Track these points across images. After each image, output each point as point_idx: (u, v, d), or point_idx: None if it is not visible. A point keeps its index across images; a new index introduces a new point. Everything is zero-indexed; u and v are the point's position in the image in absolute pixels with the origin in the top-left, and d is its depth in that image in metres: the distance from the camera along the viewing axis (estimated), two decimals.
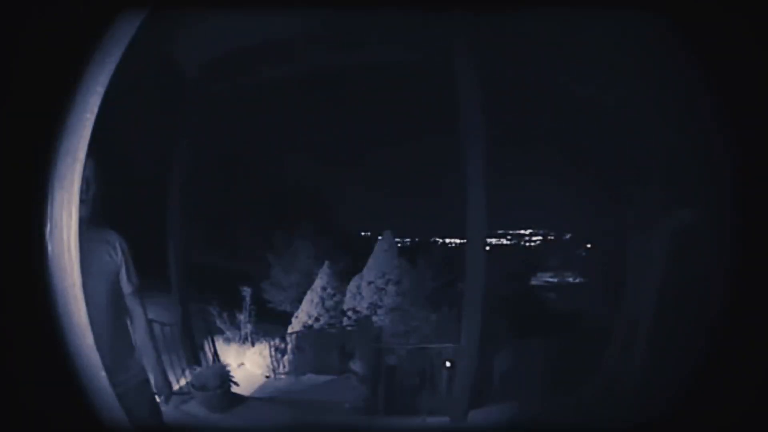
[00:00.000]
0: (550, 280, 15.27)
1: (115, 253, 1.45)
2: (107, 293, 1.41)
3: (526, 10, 2.28)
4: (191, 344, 4.39)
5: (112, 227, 1.47)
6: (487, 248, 3.62)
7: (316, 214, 11.97)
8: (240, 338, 7.01)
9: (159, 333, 3.66)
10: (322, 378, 5.72)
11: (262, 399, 4.62)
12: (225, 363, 4.03)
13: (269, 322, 7.96)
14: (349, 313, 7.82)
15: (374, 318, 7.63)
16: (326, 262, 8.31)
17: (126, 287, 1.48)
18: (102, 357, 0.94)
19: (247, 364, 6.28)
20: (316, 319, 7.75)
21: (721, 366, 1.00)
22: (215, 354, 4.90)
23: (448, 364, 4.13)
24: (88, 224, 1.27)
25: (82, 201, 1.06)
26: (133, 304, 1.50)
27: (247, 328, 7.07)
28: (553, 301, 12.47)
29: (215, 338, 5.48)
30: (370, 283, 7.98)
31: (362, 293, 7.95)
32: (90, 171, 1.28)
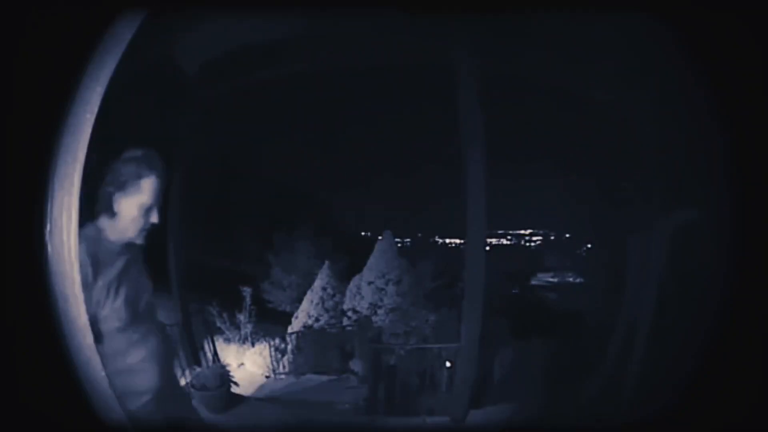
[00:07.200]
0: (550, 280, 15.28)
1: None
2: None
3: (525, 11, 2.29)
4: (191, 344, 4.39)
5: None
6: (487, 248, 3.62)
7: (316, 214, 11.98)
8: (240, 338, 7.00)
9: None
10: (322, 378, 5.71)
11: (262, 399, 4.62)
12: (225, 363, 4.03)
13: (269, 322, 7.95)
14: (349, 313, 7.82)
15: (374, 318, 7.63)
16: (326, 262, 8.30)
17: None
18: None
19: (247, 364, 6.27)
20: (316, 320, 7.75)
21: (721, 366, 1.00)
22: (215, 354, 4.90)
23: (448, 364, 4.13)
24: None
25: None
26: None
27: (247, 328, 7.06)
28: (553, 301, 12.48)
29: (215, 338, 5.48)
30: (370, 283, 7.98)
31: (362, 293, 7.94)
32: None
